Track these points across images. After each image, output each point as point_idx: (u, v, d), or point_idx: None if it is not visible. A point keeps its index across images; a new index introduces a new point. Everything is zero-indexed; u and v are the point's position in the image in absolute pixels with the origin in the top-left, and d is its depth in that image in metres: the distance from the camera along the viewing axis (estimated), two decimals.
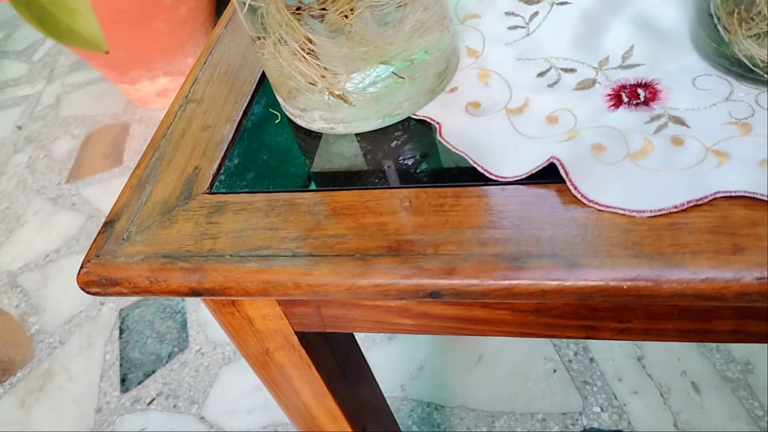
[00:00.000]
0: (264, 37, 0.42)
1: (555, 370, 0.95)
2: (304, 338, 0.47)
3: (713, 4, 0.37)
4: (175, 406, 1.05)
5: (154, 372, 1.10)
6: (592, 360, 0.95)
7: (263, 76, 0.50)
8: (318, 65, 0.41)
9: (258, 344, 0.48)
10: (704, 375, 0.89)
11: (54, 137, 1.66)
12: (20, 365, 1.18)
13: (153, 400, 1.06)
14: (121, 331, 1.18)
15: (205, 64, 0.53)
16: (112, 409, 1.07)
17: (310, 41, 0.40)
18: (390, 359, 1.02)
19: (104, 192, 1.47)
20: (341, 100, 0.42)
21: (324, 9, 0.39)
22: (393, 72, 0.42)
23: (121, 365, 1.13)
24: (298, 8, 0.39)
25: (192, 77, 0.52)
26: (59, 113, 1.73)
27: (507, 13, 0.48)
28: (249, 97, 0.49)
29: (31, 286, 1.31)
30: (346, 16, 0.38)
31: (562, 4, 0.47)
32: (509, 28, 0.47)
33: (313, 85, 0.42)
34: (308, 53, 0.41)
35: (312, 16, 0.39)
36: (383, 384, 0.98)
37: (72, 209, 1.45)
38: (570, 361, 0.95)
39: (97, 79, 1.79)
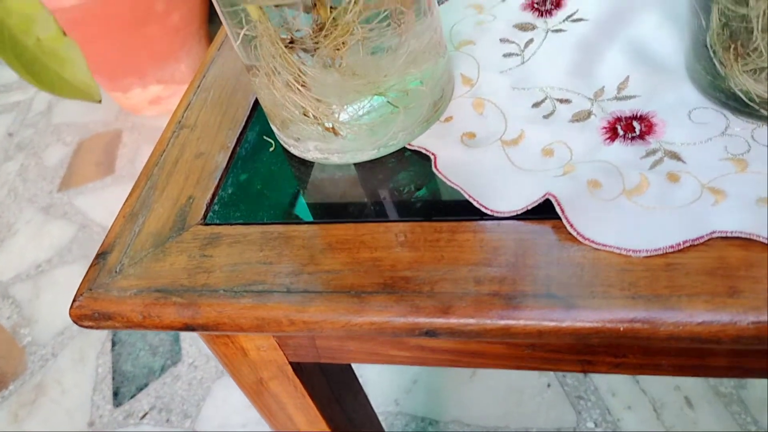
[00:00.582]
0: (257, 67, 0.41)
1: (549, 385, 0.95)
2: (298, 368, 0.47)
3: (709, 37, 0.37)
4: (168, 420, 1.04)
5: (146, 385, 1.10)
6: (585, 375, 0.95)
7: (257, 101, 0.50)
8: (311, 97, 0.41)
9: (252, 374, 0.47)
10: (698, 390, 0.89)
11: (46, 145, 1.65)
12: (12, 378, 1.17)
13: (146, 414, 1.06)
14: (114, 344, 1.17)
15: (198, 87, 0.53)
16: (104, 423, 1.06)
17: (304, 74, 0.40)
18: (384, 373, 1.02)
19: (96, 201, 1.46)
20: (332, 132, 0.42)
21: (317, 42, 0.39)
22: (388, 102, 0.42)
23: (113, 378, 1.12)
24: (291, 41, 0.39)
25: (185, 101, 0.52)
26: (51, 120, 1.73)
27: (502, 40, 0.48)
28: (243, 123, 0.49)
29: (23, 297, 1.30)
30: (338, 49, 0.38)
31: (557, 31, 0.47)
32: (504, 55, 0.47)
33: (306, 116, 0.42)
34: (302, 85, 0.40)
35: (304, 49, 0.39)
36: (377, 399, 0.98)
37: (64, 218, 1.44)
38: (564, 376, 0.95)
39: None
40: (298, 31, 0.39)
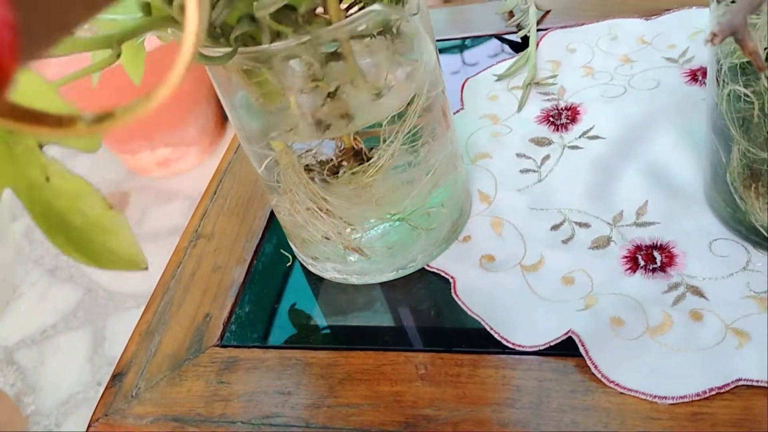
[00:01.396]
0: (278, 190, 0.41)
1: None
2: None
3: (729, 174, 0.37)
4: None
5: None
6: None
7: (272, 214, 0.50)
8: (333, 222, 0.41)
9: None
10: None
11: None
12: None
13: None
14: None
15: (214, 194, 0.53)
16: None
17: (326, 201, 0.40)
18: None
19: None
20: (357, 252, 0.42)
21: (336, 172, 0.39)
22: (409, 224, 0.42)
23: None
24: (311, 169, 0.39)
25: (201, 208, 0.52)
26: None
27: (518, 155, 0.48)
28: (260, 234, 0.49)
29: (27, 363, 1.29)
30: (368, 186, 0.38)
31: (573, 148, 0.47)
32: (521, 171, 0.47)
33: (327, 239, 0.42)
34: (324, 212, 0.40)
35: (326, 180, 0.39)
36: None
37: (70, 281, 1.44)
38: None
39: None
40: (323, 161, 0.39)
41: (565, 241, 0.42)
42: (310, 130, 0.38)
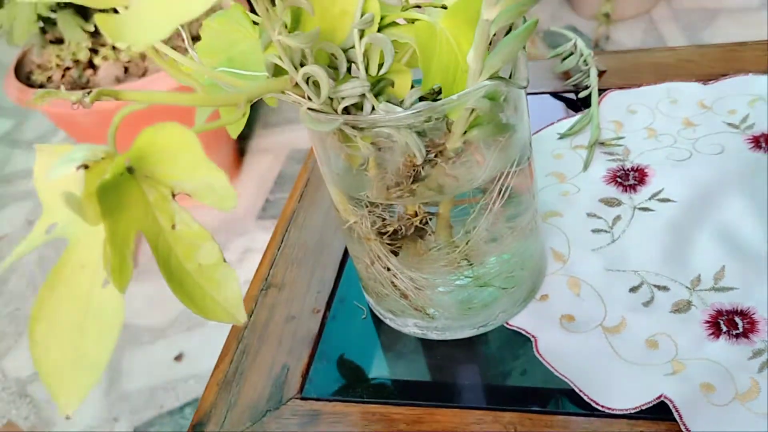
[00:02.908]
0: (358, 254, 0.42)
1: None
2: None
3: None
4: None
5: None
6: None
7: (344, 260, 0.51)
8: (413, 287, 0.41)
9: None
10: None
11: None
12: None
13: None
14: None
15: (282, 243, 0.54)
16: None
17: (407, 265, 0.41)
18: None
19: None
20: (429, 317, 0.43)
21: (421, 235, 0.40)
22: (491, 287, 0.42)
23: None
24: (396, 231, 0.40)
25: (269, 257, 0.53)
26: None
27: (589, 215, 0.49)
28: (332, 284, 0.49)
29: (40, 397, 1.28)
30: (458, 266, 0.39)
31: (644, 210, 0.48)
32: (593, 231, 0.48)
33: (405, 299, 0.42)
34: (403, 274, 0.41)
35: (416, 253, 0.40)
36: None
37: None
38: None
39: None
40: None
41: (645, 304, 0.43)
42: (391, 193, 0.39)
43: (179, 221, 0.28)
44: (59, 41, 1.38)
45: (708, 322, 0.41)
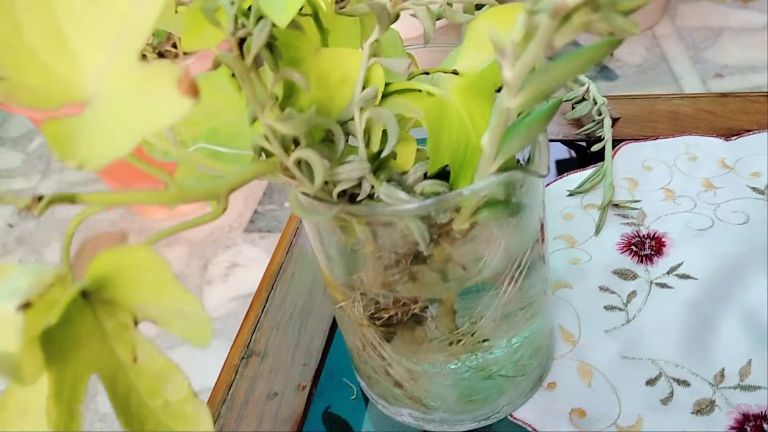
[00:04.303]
0: (350, 336, 0.38)
1: None
2: None
3: None
4: None
5: None
6: None
7: (332, 329, 0.47)
8: (410, 377, 0.37)
9: None
10: None
11: (47, 240, 1.61)
12: None
13: None
14: None
15: (267, 303, 0.49)
16: None
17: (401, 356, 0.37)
18: None
19: None
20: (425, 408, 0.39)
21: (420, 322, 0.36)
22: (495, 377, 0.38)
23: None
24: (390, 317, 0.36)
25: (252, 318, 0.48)
26: (54, 214, 1.68)
27: (602, 288, 0.45)
28: (319, 356, 0.45)
29: None
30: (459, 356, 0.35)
31: (661, 286, 0.44)
32: (605, 308, 0.44)
33: (400, 388, 0.38)
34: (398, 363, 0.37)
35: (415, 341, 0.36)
36: None
37: None
38: None
39: (95, 181, 1.75)
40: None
41: (664, 401, 0.39)
42: (388, 276, 0.35)
43: (141, 353, 0.23)
44: None
45: (734, 428, 0.37)
